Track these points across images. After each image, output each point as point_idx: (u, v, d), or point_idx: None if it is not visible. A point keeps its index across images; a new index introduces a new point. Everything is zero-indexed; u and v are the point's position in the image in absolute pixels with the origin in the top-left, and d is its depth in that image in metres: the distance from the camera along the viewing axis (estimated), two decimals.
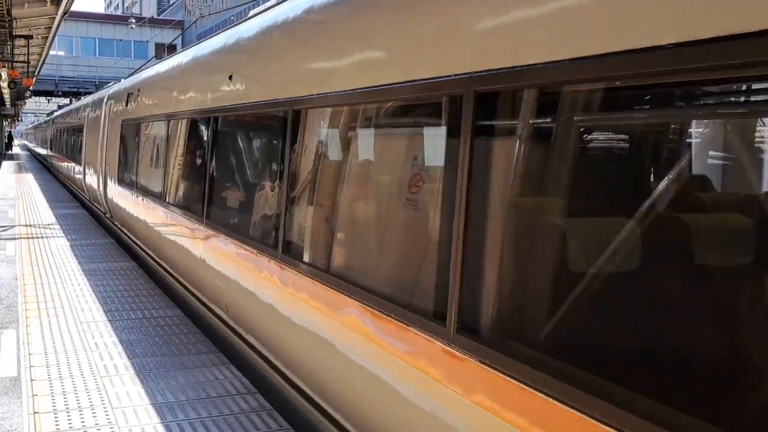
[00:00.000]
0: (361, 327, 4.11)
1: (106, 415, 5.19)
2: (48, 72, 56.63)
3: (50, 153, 35.83)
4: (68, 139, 25.32)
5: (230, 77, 6.75)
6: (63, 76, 62.80)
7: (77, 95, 52.61)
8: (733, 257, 2.47)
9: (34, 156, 57.52)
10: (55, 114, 38.98)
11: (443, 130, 3.56)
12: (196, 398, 5.53)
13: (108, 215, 15.07)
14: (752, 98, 2.51)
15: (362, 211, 4.50)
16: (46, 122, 48.21)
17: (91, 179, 17.08)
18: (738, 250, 2.44)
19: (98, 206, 16.44)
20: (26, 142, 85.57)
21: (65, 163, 25.97)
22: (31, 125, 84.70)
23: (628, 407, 2.33)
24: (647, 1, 2.37)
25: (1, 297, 8.69)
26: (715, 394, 2.27)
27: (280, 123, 5.54)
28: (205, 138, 7.79)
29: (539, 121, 3.10)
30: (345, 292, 4.28)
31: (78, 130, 21.56)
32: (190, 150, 8.65)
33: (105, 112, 15.40)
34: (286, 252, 5.25)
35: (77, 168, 20.77)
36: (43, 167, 41.19)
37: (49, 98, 65.88)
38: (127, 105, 12.71)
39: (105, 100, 15.85)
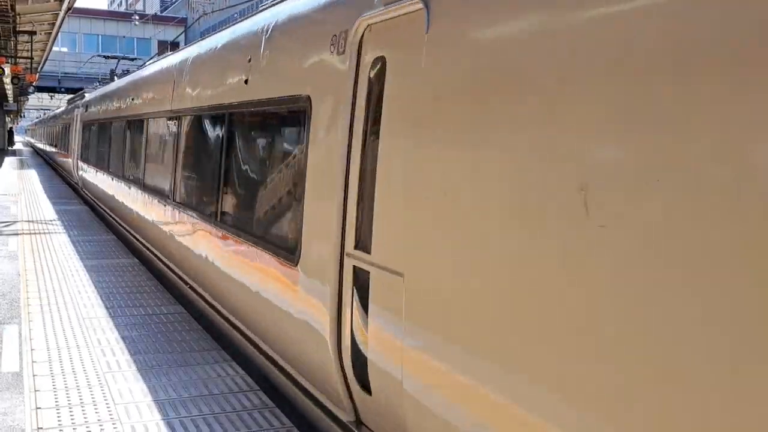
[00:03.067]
0: None
1: (108, 411, 5.19)
2: (51, 68, 56.68)
3: (86, 168, 19.06)
4: (155, 151, 10.36)
5: None
6: (66, 73, 62.83)
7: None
8: None
9: (38, 153, 57.24)
10: (97, 93, 19.09)
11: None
12: (198, 395, 5.53)
13: None
14: None
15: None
16: (65, 112, 29.39)
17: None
18: None
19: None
20: (32, 140, 76.33)
21: (141, 207, 11.13)
22: (37, 120, 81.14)
23: None
24: None
25: (4, 292, 8.69)
26: None
27: None
28: None
29: None
30: None
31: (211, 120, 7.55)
32: None
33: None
34: None
35: (216, 236, 7.01)
36: (45, 163, 41.15)
37: (52, 95, 65.92)
38: None
39: None
